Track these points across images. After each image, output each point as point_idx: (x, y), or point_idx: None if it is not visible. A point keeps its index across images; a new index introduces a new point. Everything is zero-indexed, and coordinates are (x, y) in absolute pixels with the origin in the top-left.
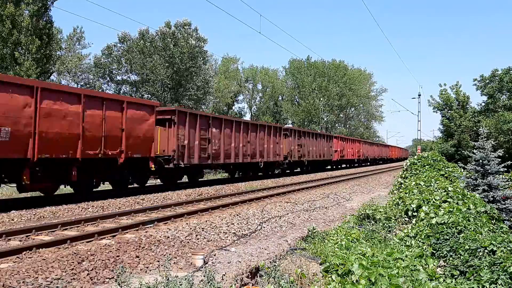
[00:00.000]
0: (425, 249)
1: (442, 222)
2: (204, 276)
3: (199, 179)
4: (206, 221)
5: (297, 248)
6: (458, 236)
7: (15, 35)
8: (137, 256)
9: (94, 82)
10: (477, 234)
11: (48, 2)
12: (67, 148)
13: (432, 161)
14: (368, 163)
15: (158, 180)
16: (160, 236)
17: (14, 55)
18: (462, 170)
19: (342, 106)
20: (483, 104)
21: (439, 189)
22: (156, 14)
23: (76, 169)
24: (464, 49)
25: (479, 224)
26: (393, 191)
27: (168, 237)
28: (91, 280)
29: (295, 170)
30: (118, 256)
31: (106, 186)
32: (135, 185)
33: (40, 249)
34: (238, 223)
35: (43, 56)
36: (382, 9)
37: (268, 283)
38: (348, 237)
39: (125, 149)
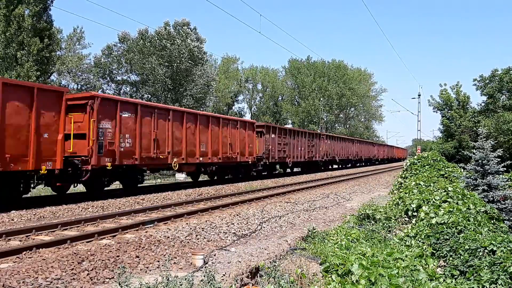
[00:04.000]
0: (425, 249)
1: (442, 222)
2: (204, 276)
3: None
4: (206, 221)
5: (297, 248)
6: (458, 236)
7: (20, 36)
8: (137, 256)
9: (94, 82)
10: (477, 234)
11: (48, 1)
12: None
13: (432, 161)
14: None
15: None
16: (160, 236)
17: (16, 55)
18: (462, 170)
19: (342, 106)
20: (483, 104)
21: (439, 189)
22: (156, 14)
23: None
24: (464, 49)
25: (478, 224)
26: (393, 191)
27: (168, 237)
28: (91, 280)
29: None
30: (118, 256)
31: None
32: None
33: (40, 249)
34: (238, 223)
35: (43, 57)
36: (382, 9)
37: (268, 283)
38: (348, 237)
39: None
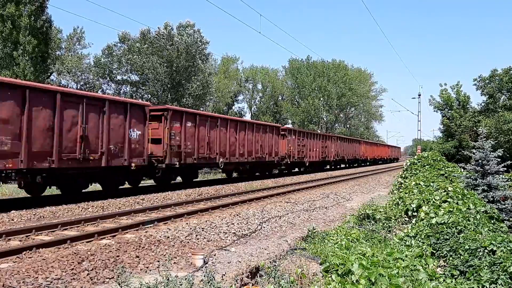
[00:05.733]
0: (425, 249)
1: (442, 222)
2: (204, 276)
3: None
4: (206, 221)
5: (297, 248)
6: (458, 236)
7: (15, 35)
8: (137, 256)
9: (94, 82)
10: (477, 234)
11: (46, 1)
12: None
13: (432, 161)
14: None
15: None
16: (160, 236)
17: (13, 55)
18: (462, 170)
19: (342, 106)
20: (483, 104)
21: (439, 189)
22: (157, 14)
23: None
24: (464, 49)
25: (478, 224)
26: (393, 191)
27: (168, 237)
28: (91, 280)
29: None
30: (118, 256)
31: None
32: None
33: (40, 249)
34: (238, 223)
35: (40, 56)
36: (382, 9)
37: (268, 283)
38: (348, 237)
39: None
